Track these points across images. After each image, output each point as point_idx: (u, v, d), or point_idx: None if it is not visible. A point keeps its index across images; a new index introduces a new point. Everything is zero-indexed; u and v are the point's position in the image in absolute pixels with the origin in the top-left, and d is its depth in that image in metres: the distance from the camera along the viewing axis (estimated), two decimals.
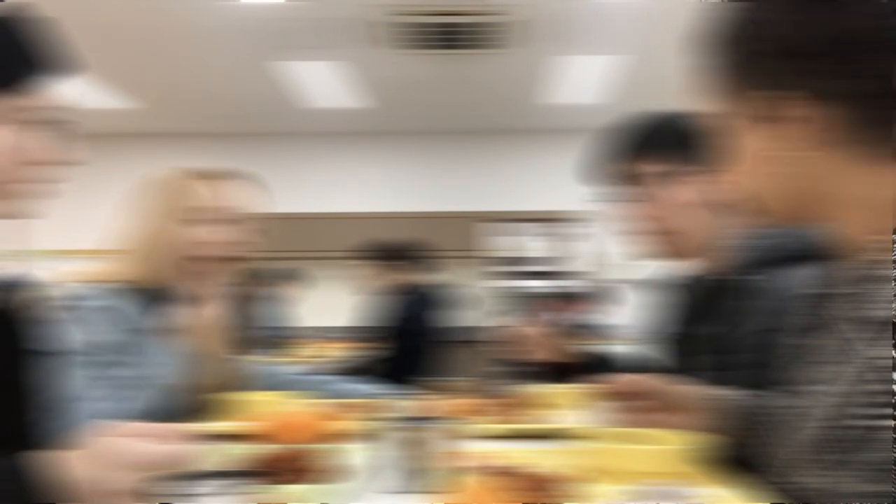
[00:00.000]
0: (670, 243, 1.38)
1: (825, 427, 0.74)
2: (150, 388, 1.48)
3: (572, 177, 2.27)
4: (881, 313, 0.69)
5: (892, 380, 0.66)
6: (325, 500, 0.93)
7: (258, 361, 1.83)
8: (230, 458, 1.01)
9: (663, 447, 1.07)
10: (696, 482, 1.00)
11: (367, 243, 4.45)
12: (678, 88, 0.90)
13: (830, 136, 0.73)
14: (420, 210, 6.89)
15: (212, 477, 0.92)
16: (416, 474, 1.02)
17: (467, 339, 5.09)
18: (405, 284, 4.27)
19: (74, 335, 1.41)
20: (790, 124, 0.75)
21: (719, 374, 1.23)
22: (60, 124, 0.96)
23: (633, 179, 1.37)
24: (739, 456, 1.07)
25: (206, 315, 1.62)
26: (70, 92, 0.98)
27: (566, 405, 1.59)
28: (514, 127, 6.94)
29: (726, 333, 1.28)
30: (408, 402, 1.14)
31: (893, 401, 0.66)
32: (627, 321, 4.70)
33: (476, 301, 6.35)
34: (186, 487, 0.85)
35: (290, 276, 5.46)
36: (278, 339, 4.55)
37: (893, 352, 0.66)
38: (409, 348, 4.15)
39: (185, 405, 1.50)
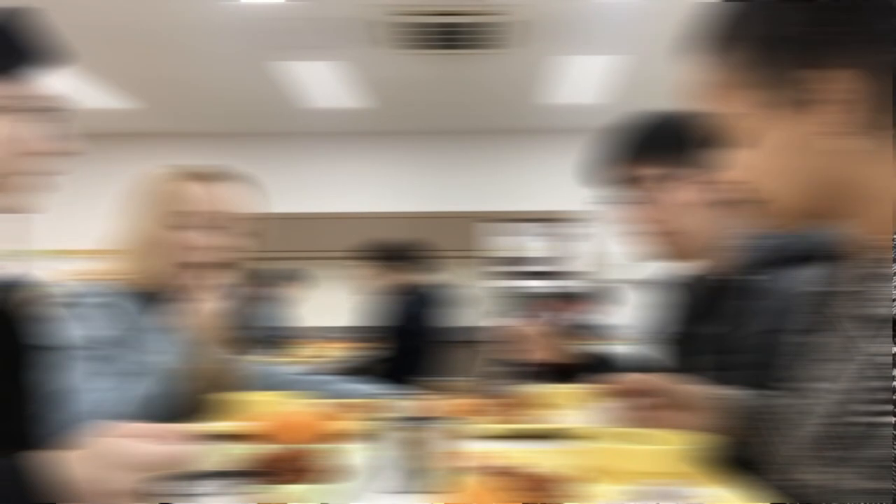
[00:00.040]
0: (672, 244, 1.37)
1: (827, 424, 0.74)
2: (149, 386, 1.48)
3: (572, 177, 2.27)
4: (883, 311, 0.69)
5: (894, 377, 0.66)
6: (325, 500, 0.93)
7: (258, 361, 1.82)
8: (230, 458, 1.01)
9: (664, 447, 1.06)
10: (697, 482, 1.00)
11: (367, 243, 4.45)
12: (678, 88, 0.88)
13: (870, 117, 0.71)
14: (420, 210, 6.89)
15: (212, 477, 0.92)
16: (416, 474, 1.02)
17: (467, 339, 5.09)
18: (405, 284, 4.27)
19: (74, 332, 1.41)
20: (830, 107, 0.72)
21: (721, 374, 1.23)
22: (56, 114, 0.96)
23: (632, 182, 1.37)
24: (741, 456, 1.07)
25: (205, 316, 1.62)
26: (64, 83, 0.98)
27: (566, 405, 1.58)
28: (514, 127, 6.94)
29: (729, 333, 1.27)
30: (408, 402, 1.13)
31: (895, 397, 0.66)
32: (628, 321, 4.70)
33: (476, 301, 6.35)
34: (186, 487, 0.85)
35: (291, 277, 5.46)
36: (278, 339, 4.55)
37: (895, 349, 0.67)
38: (408, 348, 4.15)
39: (184, 405, 1.50)
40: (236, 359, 1.69)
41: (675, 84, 0.88)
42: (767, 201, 0.80)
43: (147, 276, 1.56)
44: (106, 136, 6.45)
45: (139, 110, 6.30)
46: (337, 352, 4.59)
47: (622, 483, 0.98)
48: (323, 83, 5.62)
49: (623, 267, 5.11)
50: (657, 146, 1.35)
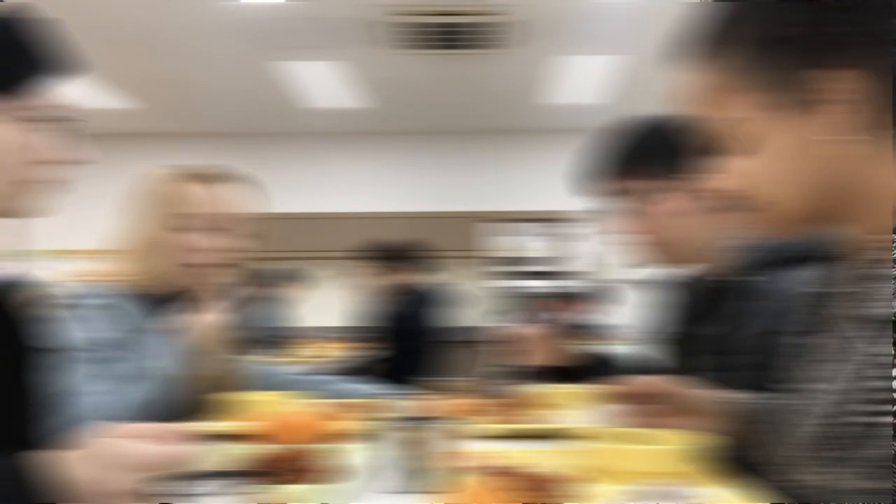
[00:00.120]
0: (664, 253, 1.37)
1: (825, 424, 0.74)
2: (149, 387, 1.48)
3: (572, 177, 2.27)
4: (881, 311, 0.69)
5: (892, 377, 0.66)
6: (325, 500, 0.93)
7: (258, 361, 1.82)
8: (230, 458, 1.01)
9: (664, 447, 1.06)
10: (697, 482, 1.00)
11: (366, 243, 4.45)
12: (671, 93, 0.87)
13: (873, 118, 0.71)
14: (420, 210, 6.89)
15: (212, 477, 0.92)
16: (416, 474, 1.02)
17: (467, 339, 5.08)
18: (405, 284, 4.27)
19: (74, 334, 1.41)
20: (835, 107, 0.72)
21: (720, 375, 1.23)
22: (68, 123, 0.96)
23: (621, 194, 1.37)
24: (740, 456, 1.07)
25: (205, 316, 1.62)
26: (76, 92, 0.98)
27: (566, 405, 1.59)
28: (514, 127, 6.94)
29: (728, 334, 1.27)
30: (408, 402, 1.13)
31: (893, 397, 0.66)
32: (627, 321, 4.70)
33: (476, 301, 6.35)
34: (186, 487, 0.85)
35: (291, 277, 5.46)
36: (278, 339, 4.55)
37: (893, 349, 0.67)
38: (408, 348, 4.15)
39: (184, 404, 1.50)
40: (237, 359, 1.69)
41: (669, 89, 0.87)
42: (765, 208, 0.79)
43: (148, 277, 1.56)
44: (106, 136, 6.44)
45: (139, 110, 6.30)
46: (337, 352, 4.59)
47: (622, 483, 0.98)
48: (323, 83, 5.62)
49: (622, 267, 5.11)
50: (644, 158, 1.34)
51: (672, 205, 1.33)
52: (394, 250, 4.37)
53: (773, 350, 0.96)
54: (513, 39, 4.77)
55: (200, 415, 1.49)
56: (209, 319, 1.61)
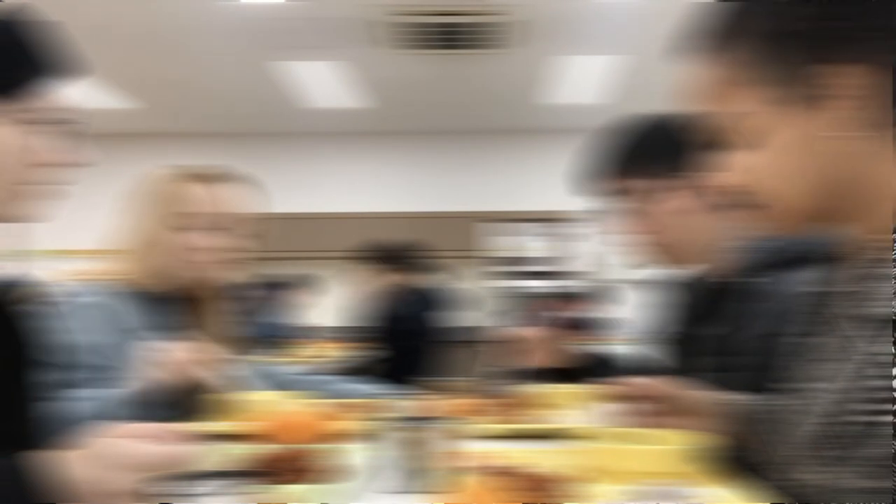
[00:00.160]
0: (666, 253, 1.37)
1: (825, 423, 0.74)
2: (146, 386, 1.48)
3: (572, 177, 2.27)
4: (882, 310, 0.69)
5: (892, 376, 0.66)
6: (325, 500, 0.93)
7: (258, 361, 1.82)
8: (230, 458, 1.01)
9: (664, 447, 1.06)
10: (696, 482, 1.00)
11: (366, 244, 4.45)
12: (676, 87, 0.87)
13: (879, 114, 0.70)
14: (420, 210, 6.89)
15: (212, 477, 0.92)
16: (416, 474, 1.02)
17: (467, 339, 5.09)
18: (404, 285, 4.27)
19: (73, 333, 1.41)
20: (842, 103, 0.71)
21: (721, 376, 1.22)
22: (68, 126, 0.96)
23: (622, 194, 1.36)
24: (740, 456, 1.07)
25: (206, 317, 1.62)
26: (76, 93, 0.98)
27: (566, 405, 1.59)
28: (514, 127, 6.94)
29: (729, 335, 1.27)
30: (408, 402, 1.13)
31: (893, 397, 0.66)
32: (628, 321, 4.70)
33: (476, 301, 6.35)
34: (186, 487, 0.85)
35: (298, 283, 5.47)
36: (278, 339, 4.55)
37: (893, 348, 0.67)
38: (408, 348, 4.15)
39: (183, 406, 1.50)
40: (237, 359, 1.69)
41: (674, 83, 0.87)
42: (769, 204, 0.79)
43: (148, 276, 1.56)
44: (106, 137, 6.44)
45: (139, 110, 6.30)
46: (337, 352, 4.59)
47: (622, 483, 0.98)
48: (323, 83, 5.63)
49: (623, 267, 5.11)
50: (645, 157, 1.33)
51: (674, 204, 1.32)
52: (393, 251, 4.37)
53: (774, 352, 0.96)
54: (513, 39, 4.77)
55: (200, 415, 1.49)
56: (208, 318, 1.61)
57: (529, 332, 1.79)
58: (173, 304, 1.57)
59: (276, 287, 5.07)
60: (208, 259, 1.57)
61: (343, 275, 5.21)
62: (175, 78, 5.57)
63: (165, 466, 0.77)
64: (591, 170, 1.39)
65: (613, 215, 1.39)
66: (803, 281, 0.99)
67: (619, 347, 3.06)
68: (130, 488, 0.75)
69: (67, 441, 0.79)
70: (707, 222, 1.31)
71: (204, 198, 1.58)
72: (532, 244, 7.07)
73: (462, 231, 6.85)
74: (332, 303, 5.77)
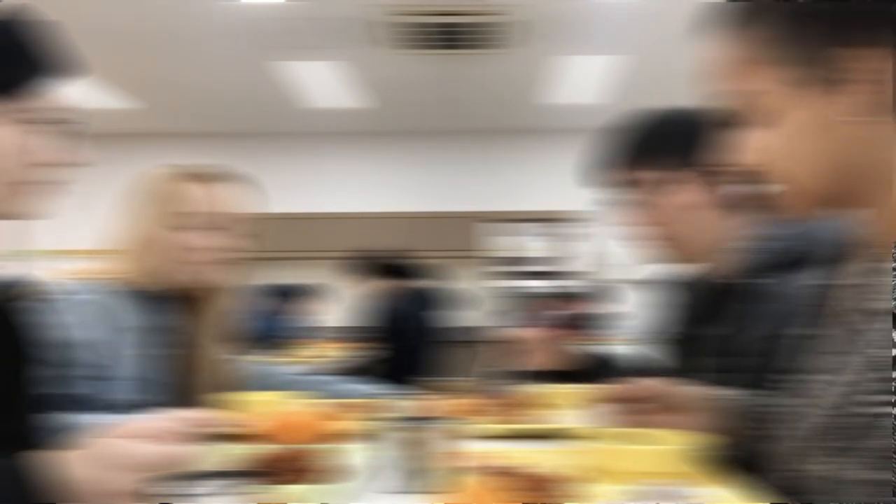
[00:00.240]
0: (673, 248, 1.35)
1: (831, 415, 0.74)
2: (144, 386, 1.48)
3: (572, 177, 2.27)
4: (890, 304, 0.70)
5: None
6: (325, 500, 0.93)
7: (258, 361, 1.82)
8: (230, 458, 1.01)
9: (663, 447, 1.06)
10: (696, 482, 1.00)
11: (364, 250, 4.46)
12: (681, 85, 0.86)
13: (894, 99, 0.70)
14: (420, 210, 6.89)
15: (212, 477, 0.92)
16: (416, 474, 1.02)
17: (467, 340, 5.09)
18: (404, 286, 4.27)
19: (72, 333, 1.41)
20: (860, 87, 0.71)
21: (723, 376, 1.22)
22: (67, 125, 0.96)
23: (631, 185, 1.35)
24: (740, 455, 1.07)
25: (205, 316, 1.62)
26: (76, 93, 0.98)
27: (566, 406, 1.58)
28: (514, 127, 6.94)
29: (733, 336, 1.26)
30: (408, 402, 1.13)
31: None
32: (628, 321, 4.70)
33: (476, 301, 6.35)
34: (186, 487, 0.85)
35: (309, 292, 5.49)
36: (278, 339, 4.55)
37: None
38: (408, 348, 4.15)
39: (179, 404, 1.50)
40: (236, 359, 1.69)
41: (676, 84, 0.86)
42: (782, 187, 0.78)
43: (146, 276, 1.56)
44: (106, 136, 6.44)
45: (139, 110, 6.30)
46: (337, 352, 4.59)
47: (622, 483, 0.98)
48: (323, 83, 5.63)
49: (623, 267, 5.11)
50: (654, 149, 1.32)
51: (683, 198, 1.31)
52: (391, 257, 4.38)
53: (777, 353, 0.96)
54: (513, 39, 4.77)
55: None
56: (207, 318, 1.61)
57: (529, 332, 1.79)
58: (171, 304, 1.57)
59: (286, 294, 5.08)
60: (205, 259, 1.57)
61: (343, 275, 5.21)
62: (175, 78, 5.57)
63: (165, 466, 0.77)
64: (601, 160, 1.38)
65: (622, 207, 1.38)
66: (808, 282, 0.99)
67: (619, 347, 3.06)
68: (130, 488, 0.75)
69: (67, 441, 0.79)
70: (714, 219, 1.30)
71: (201, 197, 1.58)
72: (532, 244, 7.08)
73: (462, 231, 6.85)
74: (333, 303, 5.77)
